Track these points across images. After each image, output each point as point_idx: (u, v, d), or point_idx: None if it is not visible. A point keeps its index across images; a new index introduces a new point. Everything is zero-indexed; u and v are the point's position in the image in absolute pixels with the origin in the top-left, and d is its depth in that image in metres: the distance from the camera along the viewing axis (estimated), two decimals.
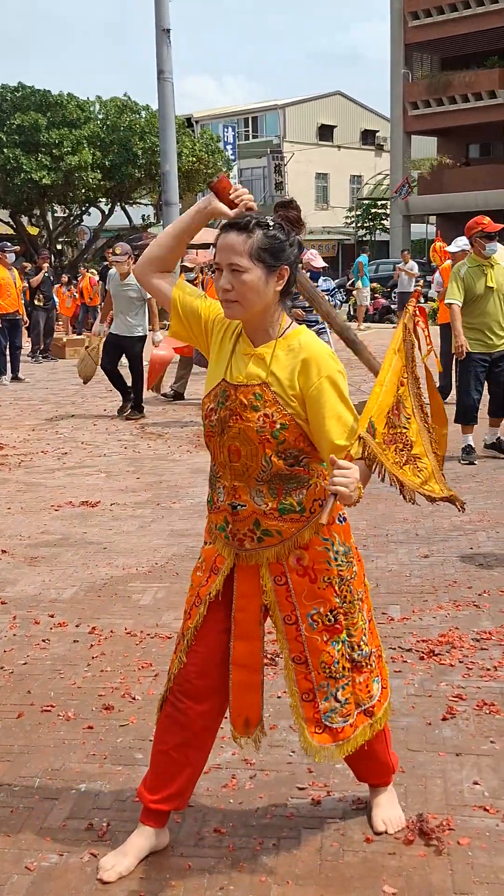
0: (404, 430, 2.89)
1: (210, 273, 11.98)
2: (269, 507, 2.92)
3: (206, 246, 35.87)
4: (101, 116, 36.23)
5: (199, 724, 3.11)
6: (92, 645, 4.97)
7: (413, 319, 3.00)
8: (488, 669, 4.53)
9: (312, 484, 2.95)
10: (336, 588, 3.01)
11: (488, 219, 9.14)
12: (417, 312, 3.05)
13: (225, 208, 2.97)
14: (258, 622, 3.05)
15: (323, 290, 11.31)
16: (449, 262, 13.24)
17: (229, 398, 2.92)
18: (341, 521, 3.05)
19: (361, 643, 3.09)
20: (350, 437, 2.80)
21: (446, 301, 9.16)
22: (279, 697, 4.14)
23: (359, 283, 27.29)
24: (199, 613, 3.07)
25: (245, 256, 2.82)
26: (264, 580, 3.00)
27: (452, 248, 11.86)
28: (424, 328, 3.09)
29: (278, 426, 2.85)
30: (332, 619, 3.01)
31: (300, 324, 3.05)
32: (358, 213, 55.75)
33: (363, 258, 27.57)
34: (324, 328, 10.97)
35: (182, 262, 13.74)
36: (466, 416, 9.17)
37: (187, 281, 13.58)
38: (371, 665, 3.14)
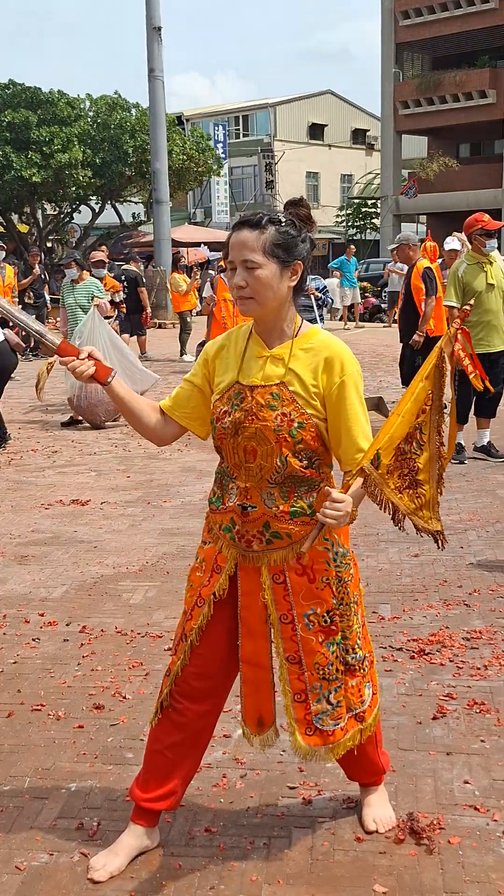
0: (414, 456, 2.87)
1: (208, 272, 11.90)
2: (281, 509, 2.92)
3: (196, 244, 35.94)
4: (91, 114, 36.16)
5: (196, 725, 3.11)
6: (82, 644, 4.96)
7: (451, 344, 2.94)
8: (479, 668, 4.53)
9: (322, 487, 2.95)
10: (333, 589, 3.01)
11: (488, 216, 9.15)
12: (459, 336, 2.99)
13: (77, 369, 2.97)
14: (263, 620, 3.04)
15: (314, 288, 11.27)
16: (438, 261, 13.23)
17: (245, 399, 2.91)
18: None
19: (356, 646, 3.09)
20: (366, 443, 2.86)
21: (445, 303, 9.16)
22: None
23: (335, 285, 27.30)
24: (202, 614, 3.06)
25: (259, 252, 2.82)
26: (263, 578, 2.99)
27: (448, 246, 11.86)
28: (465, 354, 3.04)
29: (296, 425, 2.86)
30: (328, 621, 3.01)
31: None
32: (348, 212, 55.77)
33: (335, 263, 27.51)
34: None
35: (95, 258, 13.54)
36: (462, 416, 9.18)
37: (99, 279, 13.29)
38: (364, 670, 3.14)
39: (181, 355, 19.63)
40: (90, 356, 2.98)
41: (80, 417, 11.84)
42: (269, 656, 3.09)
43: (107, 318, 13.62)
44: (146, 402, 3.13)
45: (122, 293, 14.60)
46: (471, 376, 3.12)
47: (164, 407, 3.13)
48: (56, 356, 3.01)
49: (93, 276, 13.28)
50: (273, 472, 2.89)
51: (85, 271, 12.34)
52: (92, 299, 11.98)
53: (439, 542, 3.03)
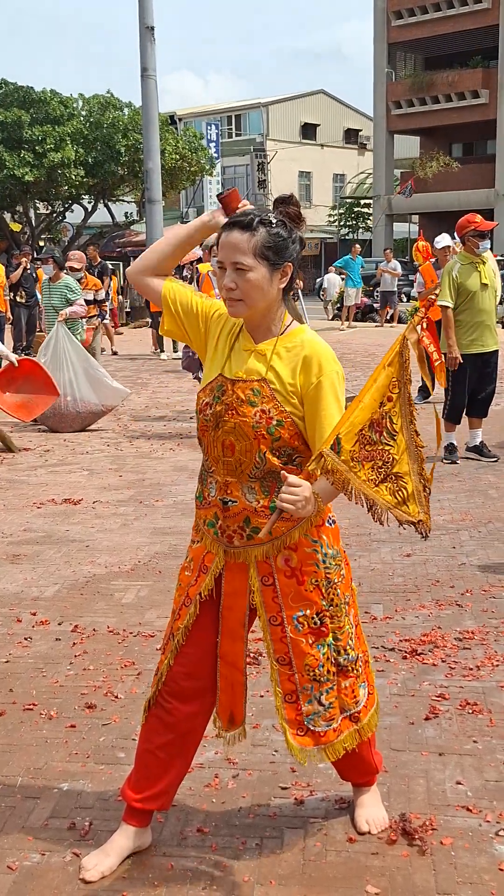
0: (387, 448, 2.81)
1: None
2: (261, 504, 2.91)
3: None
4: (84, 113, 36.13)
5: (185, 724, 3.10)
6: (74, 643, 4.95)
7: (417, 333, 2.91)
8: (471, 669, 4.53)
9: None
10: (323, 591, 3.01)
11: (480, 217, 9.13)
12: (424, 325, 2.94)
13: None
14: (242, 623, 3.04)
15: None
16: (431, 261, 13.24)
17: (226, 393, 2.92)
18: (330, 524, 3.05)
19: (348, 647, 3.09)
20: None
21: (439, 303, 9.13)
22: (262, 696, 4.14)
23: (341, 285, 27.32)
24: (189, 613, 3.06)
25: (249, 255, 2.82)
26: (252, 580, 2.99)
27: (439, 244, 11.86)
28: (431, 342, 3.01)
29: (274, 422, 2.85)
30: (318, 622, 3.01)
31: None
32: (341, 211, 55.79)
33: (339, 262, 27.51)
34: None
35: (69, 262, 13.43)
36: (456, 416, 9.17)
37: (77, 281, 13.02)
38: (357, 670, 3.13)
39: (158, 352, 19.82)
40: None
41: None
42: (245, 659, 3.10)
43: (91, 317, 13.51)
44: (175, 258, 3.12)
45: (102, 291, 14.48)
46: (435, 364, 3.08)
47: (167, 280, 3.11)
48: None
49: (69, 275, 13.17)
50: (253, 468, 2.89)
51: (61, 271, 12.20)
52: (66, 301, 11.78)
53: (421, 531, 2.91)
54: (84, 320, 12.31)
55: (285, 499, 2.68)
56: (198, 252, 13.34)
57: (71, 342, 11.38)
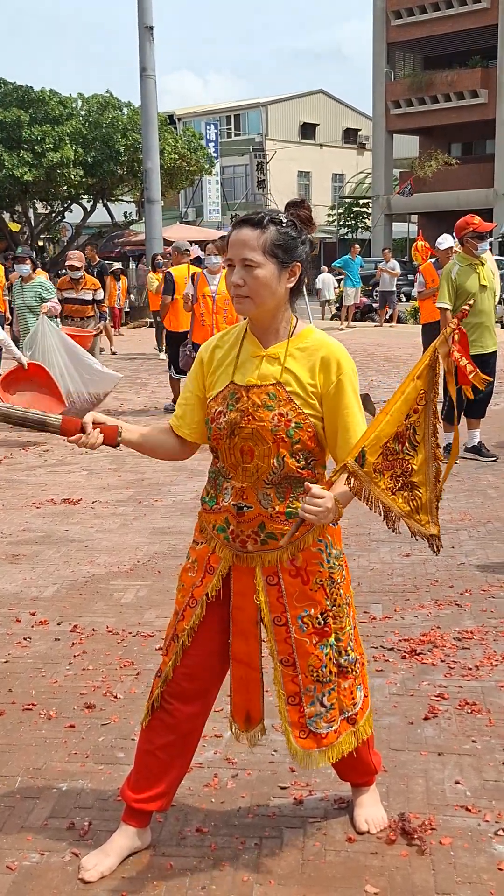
0: (407, 457, 2.84)
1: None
2: (276, 510, 2.92)
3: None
4: (83, 113, 36.16)
5: (186, 725, 3.11)
6: (73, 643, 4.95)
7: (448, 345, 2.90)
8: (470, 669, 4.53)
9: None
10: (327, 590, 3.01)
11: (479, 218, 9.11)
12: (456, 338, 2.96)
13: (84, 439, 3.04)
14: (255, 622, 3.04)
15: None
16: (431, 260, 13.24)
17: (240, 400, 2.91)
18: (333, 525, 3.05)
19: (348, 648, 3.09)
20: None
21: (438, 305, 9.13)
22: None
23: (341, 285, 27.33)
24: (194, 615, 3.06)
25: (258, 252, 2.82)
26: (257, 579, 2.99)
27: (442, 245, 11.85)
28: (462, 355, 3.01)
29: (293, 425, 2.86)
30: (322, 622, 3.01)
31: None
32: (340, 211, 55.79)
33: (339, 262, 27.53)
34: None
35: (69, 260, 13.35)
36: (454, 416, 9.17)
37: (73, 280, 12.99)
38: (356, 672, 3.14)
39: (158, 350, 19.90)
40: (94, 423, 3.02)
41: None
42: (260, 657, 3.09)
43: (88, 317, 13.46)
44: (158, 431, 3.17)
45: (101, 291, 14.38)
46: (470, 376, 3.09)
47: (173, 426, 3.15)
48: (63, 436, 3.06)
49: (70, 277, 13.05)
50: (270, 473, 2.89)
51: (38, 270, 12.02)
52: (40, 301, 11.66)
53: (434, 546, 3.02)
54: (59, 319, 12.19)
55: (309, 510, 2.71)
56: (196, 251, 13.30)
57: (58, 334, 11.26)
